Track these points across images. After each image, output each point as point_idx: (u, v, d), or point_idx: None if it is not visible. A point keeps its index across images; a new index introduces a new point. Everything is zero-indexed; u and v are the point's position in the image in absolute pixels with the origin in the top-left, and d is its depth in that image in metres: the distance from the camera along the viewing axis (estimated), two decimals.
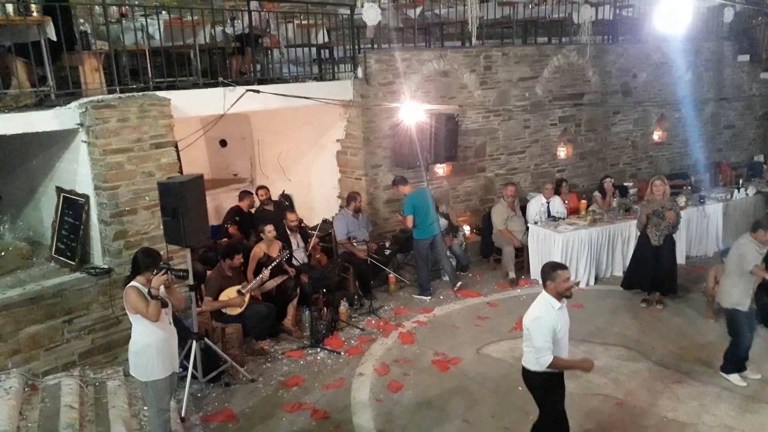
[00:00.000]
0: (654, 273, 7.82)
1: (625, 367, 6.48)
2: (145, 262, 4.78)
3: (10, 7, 5.89)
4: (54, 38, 6.09)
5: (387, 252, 8.70)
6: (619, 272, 9.02)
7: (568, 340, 4.58)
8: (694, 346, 6.93)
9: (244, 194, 8.96)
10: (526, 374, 4.59)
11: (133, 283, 4.74)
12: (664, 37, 11.05)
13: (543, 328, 4.32)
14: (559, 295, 4.43)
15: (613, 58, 11.19)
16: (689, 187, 10.61)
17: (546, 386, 4.54)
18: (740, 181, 10.75)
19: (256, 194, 9.07)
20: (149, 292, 4.66)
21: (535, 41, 10.68)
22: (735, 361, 6.17)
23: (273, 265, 7.07)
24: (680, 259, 8.68)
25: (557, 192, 9.56)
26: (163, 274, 4.71)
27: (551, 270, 4.46)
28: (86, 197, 6.45)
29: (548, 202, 9.25)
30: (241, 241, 8.25)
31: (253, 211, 8.98)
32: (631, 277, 8.17)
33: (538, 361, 4.39)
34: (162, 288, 4.74)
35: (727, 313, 6.20)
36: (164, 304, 4.73)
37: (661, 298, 8.00)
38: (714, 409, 5.71)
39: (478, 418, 5.64)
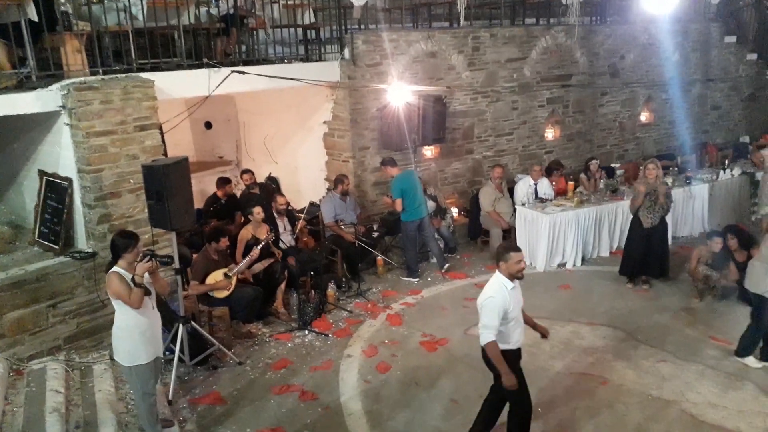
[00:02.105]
0: (644, 256, 7.85)
1: (611, 347, 6.54)
2: (123, 243, 4.69)
3: None
4: (35, 18, 5.96)
5: (375, 234, 8.69)
6: (605, 253, 9.08)
7: (522, 319, 4.69)
8: (678, 325, 6.99)
9: (222, 182, 8.79)
10: (484, 353, 4.61)
11: (115, 268, 4.67)
12: (652, 18, 11.05)
13: (494, 308, 4.41)
14: (512, 276, 4.51)
15: (600, 39, 11.17)
16: (675, 168, 10.67)
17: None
18: (726, 162, 10.81)
19: (241, 178, 8.97)
20: (133, 279, 4.61)
21: (523, 22, 10.63)
22: (751, 345, 6.14)
23: (261, 245, 7.04)
24: None
25: (549, 175, 9.56)
26: (148, 261, 4.64)
27: (505, 251, 4.55)
28: (69, 180, 6.37)
29: (536, 184, 9.26)
30: (226, 224, 8.21)
31: (237, 197, 8.90)
32: (628, 265, 8.06)
33: (480, 336, 4.46)
34: (146, 275, 4.69)
35: (755, 298, 6.09)
36: (147, 292, 4.67)
37: (648, 278, 8.04)
38: (698, 386, 5.78)
39: (466, 397, 5.67)
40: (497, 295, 4.44)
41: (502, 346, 4.48)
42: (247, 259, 6.94)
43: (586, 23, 11.17)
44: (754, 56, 13.57)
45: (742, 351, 6.19)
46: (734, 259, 7.26)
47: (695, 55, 12.67)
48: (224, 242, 6.91)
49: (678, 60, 12.25)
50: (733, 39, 13.18)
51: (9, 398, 5.28)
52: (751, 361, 6.13)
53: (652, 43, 11.87)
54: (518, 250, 4.62)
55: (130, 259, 4.66)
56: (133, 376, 4.77)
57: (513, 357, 4.62)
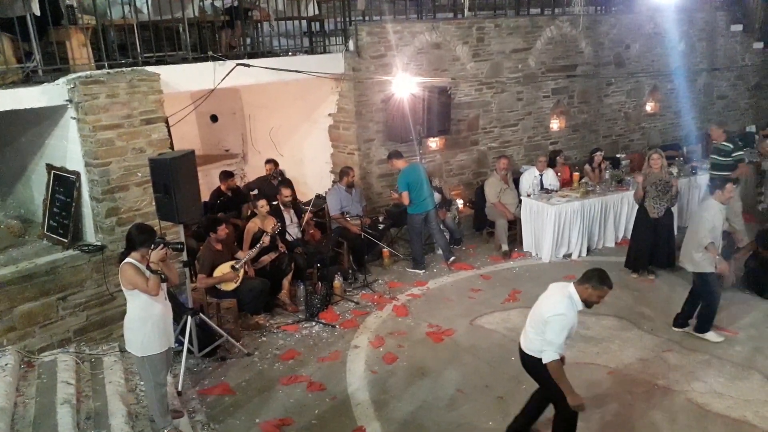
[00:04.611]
0: (651, 246, 7.88)
1: (617, 337, 6.56)
2: (140, 238, 4.77)
3: None
4: (38, 13, 5.98)
5: (380, 226, 8.71)
6: (611, 243, 9.09)
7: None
8: None
9: (224, 176, 8.85)
10: (529, 360, 4.51)
11: (128, 259, 4.74)
12: (657, 7, 11.00)
13: (564, 326, 4.29)
14: (586, 302, 4.38)
15: (605, 29, 11.12)
16: (681, 158, 10.63)
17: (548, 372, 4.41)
18: None
19: (265, 167, 9.00)
20: (148, 267, 4.68)
21: (527, 12, 10.58)
22: (708, 321, 6.41)
23: (271, 234, 7.11)
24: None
25: (553, 165, 9.56)
26: (162, 249, 4.73)
27: (601, 281, 4.35)
28: (77, 174, 6.41)
29: (541, 175, 9.25)
30: (233, 216, 8.28)
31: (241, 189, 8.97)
32: (633, 258, 8.11)
33: (543, 353, 4.34)
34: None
35: (696, 277, 6.39)
36: (164, 279, 4.75)
37: (653, 268, 8.05)
38: (704, 376, 5.80)
39: (472, 387, 5.71)
40: (569, 314, 4.31)
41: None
42: (256, 247, 6.99)
43: (590, 13, 11.10)
44: (760, 45, 13.46)
45: (700, 328, 6.44)
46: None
47: (701, 44, 12.59)
48: (222, 230, 6.88)
49: (684, 49, 12.18)
50: (739, 28, 13.08)
51: (21, 390, 5.33)
52: (711, 336, 6.36)
53: (658, 33, 11.80)
54: (612, 287, 4.44)
55: (144, 251, 4.72)
56: (146, 366, 4.83)
57: None
